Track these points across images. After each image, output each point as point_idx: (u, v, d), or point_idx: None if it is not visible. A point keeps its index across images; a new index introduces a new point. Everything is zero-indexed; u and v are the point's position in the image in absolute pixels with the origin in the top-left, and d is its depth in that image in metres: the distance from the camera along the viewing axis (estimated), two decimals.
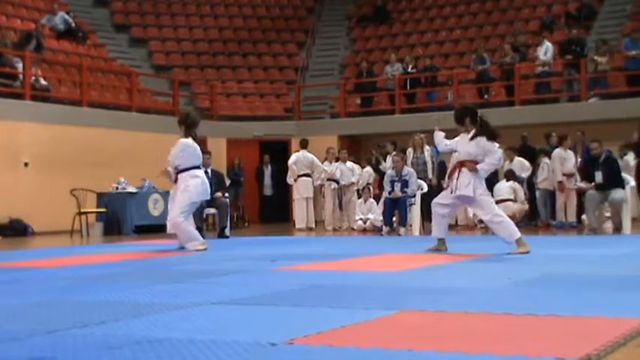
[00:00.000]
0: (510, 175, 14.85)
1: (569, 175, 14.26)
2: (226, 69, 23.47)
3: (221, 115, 21.22)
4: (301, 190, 16.37)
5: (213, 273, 6.69)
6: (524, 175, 15.23)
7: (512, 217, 14.53)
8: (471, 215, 15.03)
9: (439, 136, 8.79)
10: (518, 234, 8.19)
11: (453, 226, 14.95)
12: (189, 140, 9.85)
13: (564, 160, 14.28)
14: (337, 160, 16.50)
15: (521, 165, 15.31)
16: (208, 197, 10.42)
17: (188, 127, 9.95)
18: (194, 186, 9.73)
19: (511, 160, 15.32)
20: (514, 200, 14.63)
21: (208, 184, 10.11)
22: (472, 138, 8.32)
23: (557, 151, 14.38)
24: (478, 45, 21.08)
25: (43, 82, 17.27)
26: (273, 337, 3.49)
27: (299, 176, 16.38)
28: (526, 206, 15.01)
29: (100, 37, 22.35)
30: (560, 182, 14.32)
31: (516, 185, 14.79)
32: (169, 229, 9.95)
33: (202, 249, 9.65)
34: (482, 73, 19.81)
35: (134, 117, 18.50)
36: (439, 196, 8.71)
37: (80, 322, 4.07)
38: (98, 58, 20.98)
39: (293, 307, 4.57)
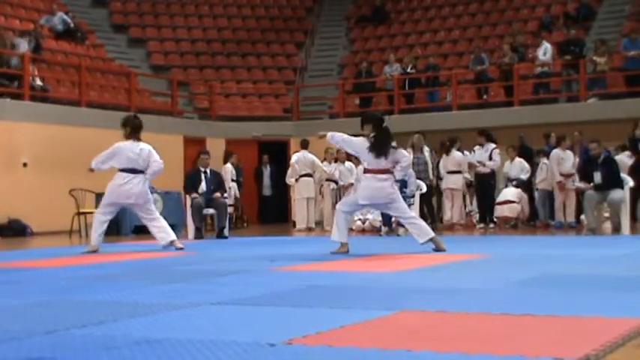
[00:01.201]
0: (521, 186, 14.88)
1: (567, 176, 14.26)
2: (225, 69, 23.47)
3: (220, 116, 21.22)
4: (302, 191, 16.37)
5: (212, 273, 6.69)
6: (524, 176, 15.26)
7: (515, 218, 14.67)
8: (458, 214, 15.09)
9: (336, 133, 8.94)
10: (431, 233, 8.77)
11: (450, 227, 14.99)
12: (127, 143, 9.95)
13: (562, 160, 14.28)
14: (336, 160, 16.49)
15: (521, 166, 15.33)
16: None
17: (133, 130, 10.13)
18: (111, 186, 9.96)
19: (512, 160, 15.34)
20: (518, 202, 14.67)
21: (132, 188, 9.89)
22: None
23: (555, 152, 14.39)
24: (477, 45, 21.09)
25: (38, 82, 17.24)
26: (272, 338, 3.49)
27: (300, 176, 16.39)
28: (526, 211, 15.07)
29: (98, 38, 22.34)
30: (559, 182, 14.33)
31: (523, 193, 14.84)
32: None
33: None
34: (481, 74, 19.82)
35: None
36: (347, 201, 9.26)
37: (79, 322, 4.07)
38: (97, 58, 20.98)
39: (292, 307, 4.57)
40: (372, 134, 8.65)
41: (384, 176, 8.67)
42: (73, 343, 3.52)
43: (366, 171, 8.78)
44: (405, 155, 9.08)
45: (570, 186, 14.19)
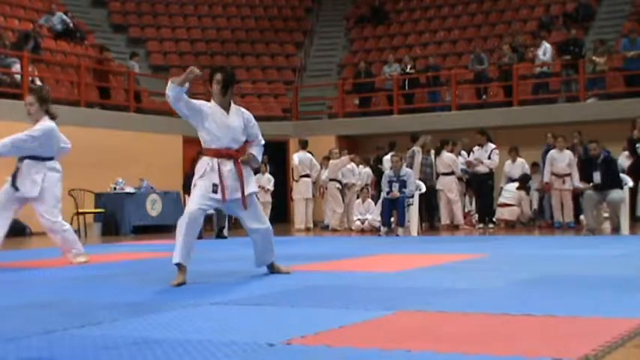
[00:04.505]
0: (522, 183, 14.85)
1: (559, 176, 14.23)
2: None
3: None
4: (302, 191, 16.38)
5: (211, 273, 6.69)
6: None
7: (515, 221, 14.68)
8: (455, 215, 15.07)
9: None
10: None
11: (450, 227, 14.98)
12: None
13: (555, 160, 14.26)
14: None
15: (522, 166, 15.32)
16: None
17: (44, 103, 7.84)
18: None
19: (513, 161, 15.32)
20: (518, 205, 14.68)
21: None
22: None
23: (550, 153, 14.38)
24: (476, 45, 21.08)
25: (38, 82, 17.23)
26: (270, 338, 3.49)
27: (300, 177, 16.40)
28: (528, 211, 15.07)
29: (97, 38, 22.32)
30: (546, 183, 14.32)
31: (523, 194, 14.82)
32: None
33: (84, 261, 7.97)
34: (481, 74, 19.82)
35: (132, 117, 18.49)
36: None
37: (78, 322, 4.07)
38: (96, 58, 20.94)
39: (291, 307, 4.57)
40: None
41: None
42: (72, 344, 3.52)
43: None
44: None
45: (561, 186, 14.18)
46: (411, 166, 14.44)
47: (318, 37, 25.39)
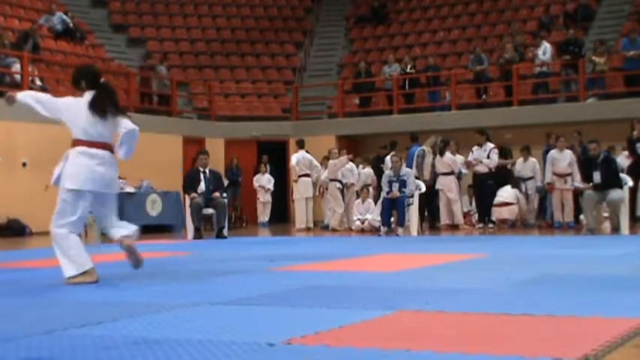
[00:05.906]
0: (515, 184, 14.84)
1: (561, 175, 14.23)
2: (224, 69, 23.46)
3: (219, 116, 21.21)
4: (301, 190, 16.39)
5: (211, 273, 6.69)
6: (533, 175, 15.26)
7: (515, 220, 14.66)
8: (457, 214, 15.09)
9: (29, 92, 6.94)
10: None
11: (453, 227, 14.97)
12: None
13: (556, 160, 14.25)
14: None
15: (533, 166, 15.30)
16: None
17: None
18: None
19: (525, 160, 15.31)
20: (516, 204, 14.65)
21: None
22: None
23: (551, 153, 14.37)
24: (476, 45, 21.09)
25: (38, 82, 17.24)
26: (270, 338, 3.49)
27: (299, 176, 16.40)
28: (524, 209, 15.03)
29: (97, 38, 22.33)
30: (549, 183, 14.31)
31: (519, 194, 14.80)
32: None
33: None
34: (480, 74, 19.82)
35: (131, 117, 18.42)
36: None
37: (78, 322, 4.07)
38: (96, 58, 20.95)
39: (291, 307, 4.57)
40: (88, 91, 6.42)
41: (106, 153, 6.47)
42: (72, 344, 3.51)
43: (77, 143, 6.40)
44: (129, 123, 6.75)
45: (562, 185, 14.18)
46: (421, 165, 14.47)
47: (318, 37, 25.40)
